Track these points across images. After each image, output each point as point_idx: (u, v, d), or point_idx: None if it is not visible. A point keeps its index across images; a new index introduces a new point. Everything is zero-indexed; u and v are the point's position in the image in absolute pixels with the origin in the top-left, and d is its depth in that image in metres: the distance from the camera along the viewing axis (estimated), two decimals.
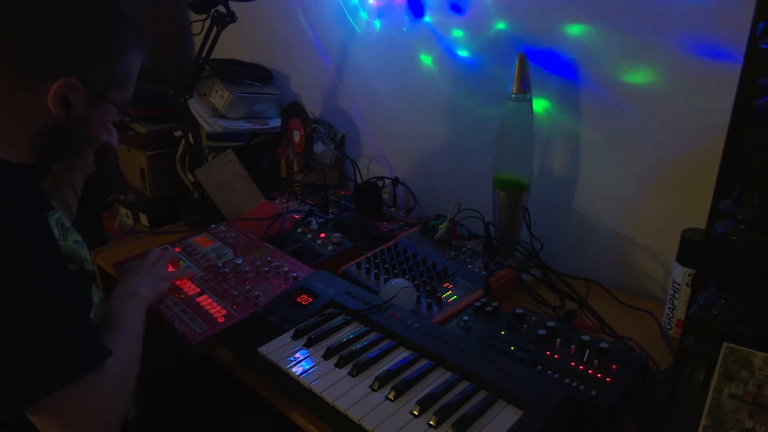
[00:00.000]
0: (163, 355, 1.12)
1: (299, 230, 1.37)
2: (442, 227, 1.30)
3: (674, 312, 1.05)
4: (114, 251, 1.37)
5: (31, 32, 0.79)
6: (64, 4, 0.81)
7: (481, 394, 0.81)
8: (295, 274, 1.15)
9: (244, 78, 1.78)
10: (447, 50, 1.43)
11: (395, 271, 1.20)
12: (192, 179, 1.56)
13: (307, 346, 0.93)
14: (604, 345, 0.88)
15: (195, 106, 1.66)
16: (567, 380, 0.84)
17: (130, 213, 1.74)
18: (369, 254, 1.26)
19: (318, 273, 1.12)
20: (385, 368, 0.86)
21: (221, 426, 1.11)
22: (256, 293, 1.09)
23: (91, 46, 0.84)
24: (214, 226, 1.38)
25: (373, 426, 0.75)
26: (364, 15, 1.58)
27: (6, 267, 0.72)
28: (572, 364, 0.87)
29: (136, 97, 0.95)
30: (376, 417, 0.77)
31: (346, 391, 0.82)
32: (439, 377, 0.85)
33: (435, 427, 0.75)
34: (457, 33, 1.39)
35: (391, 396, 0.80)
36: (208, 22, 1.42)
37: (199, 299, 1.09)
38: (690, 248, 1.00)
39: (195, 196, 1.59)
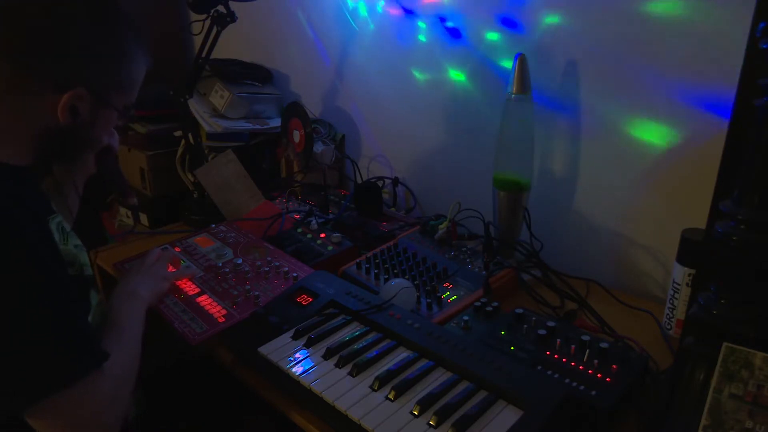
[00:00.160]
0: (163, 355, 1.13)
1: (299, 230, 1.37)
2: (442, 227, 1.30)
3: (674, 312, 1.05)
4: (114, 251, 1.37)
5: (32, 33, 0.79)
6: (65, 7, 0.81)
7: (481, 394, 0.81)
8: (295, 274, 1.15)
9: (244, 78, 1.78)
10: (448, 50, 1.43)
11: (395, 271, 1.20)
12: (192, 179, 1.56)
13: (307, 346, 0.93)
14: (604, 345, 0.88)
15: (195, 106, 1.66)
16: (567, 380, 0.84)
17: (130, 213, 1.74)
18: (369, 254, 1.26)
19: (318, 273, 1.12)
20: (385, 368, 0.86)
21: (221, 426, 1.11)
22: (256, 293, 1.09)
23: (92, 48, 0.84)
24: (214, 226, 1.38)
25: (373, 426, 0.75)
26: (364, 13, 1.58)
27: (6, 268, 0.72)
28: (572, 364, 0.87)
29: (137, 97, 0.95)
30: (376, 417, 0.77)
31: (346, 391, 0.82)
32: (439, 377, 0.85)
33: (435, 427, 0.75)
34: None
35: (391, 396, 0.80)
36: (208, 22, 1.42)
37: (199, 299, 1.09)
38: (690, 248, 1.00)
39: (195, 196, 1.59)
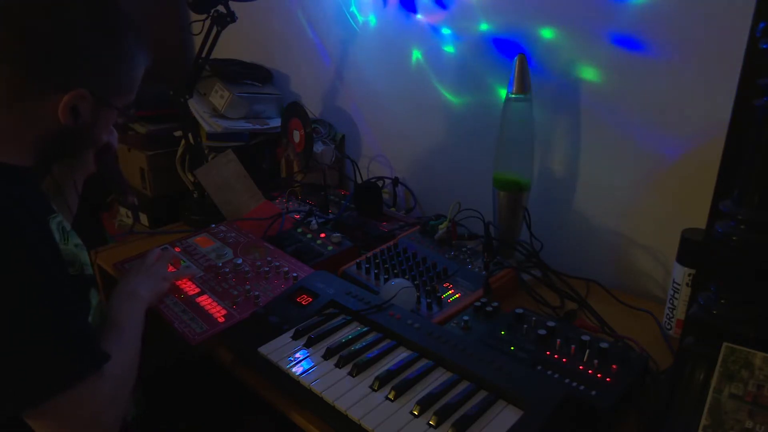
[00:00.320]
0: (163, 355, 1.13)
1: (299, 230, 1.37)
2: (442, 227, 1.30)
3: (674, 312, 1.05)
4: (114, 251, 1.37)
5: (32, 36, 0.79)
6: (65, 8, 0.81)
7: (481, 394, 0.81)
8: (295, 274, 1.15)
9: (244, 78, 1.78)
10: (447, 50, 1.43)
11: (395, 271, 1.20)
12: (192, 179, 1.56)
13: (307, 346, 0.93)
14: (604, 345, 0.88)
15: (195, 106, 1.66)
16: (567, 380, 0.84)
17: (130, 213, 1.74)
18: (369, 254, 1.26)
19: (318, 273, 1.12)
20: (385, 368, 0.86)
21: (221, 426, 1.11)
22: (256, 293, 1.09)
23: (93, 50, 0.84)
24: (214, 226, 1.38)
25: (373, 426, 0.75)
26: (359, 17, 1.58)
27: (6, 269, 0.72)
28: (572, 364, 0.87)
29: (137, 97, 0.95)
30: (376, 417, 0.77)
31: (346, 391, 0.82)
32: (439, 377, 0.85)
33: (435, 427, 0.75)
34: (446, 31, 1.39)
35: (391, 396, 0.80)
36: (208, 22, 1.42)
37: (199, 299, 1.09)
38: (690, 248, 1.00)
39: (195, 196, 1.59)
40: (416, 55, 1.50)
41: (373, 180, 1.61)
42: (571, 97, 1.23)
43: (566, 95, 1.24)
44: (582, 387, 0.82)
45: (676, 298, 1.04)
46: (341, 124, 1.78)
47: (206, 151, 1.61)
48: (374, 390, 0.82)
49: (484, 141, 1.40)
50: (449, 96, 1.46)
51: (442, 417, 0.76)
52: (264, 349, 0.92)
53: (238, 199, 1.48)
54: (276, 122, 1.75)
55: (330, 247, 1.29)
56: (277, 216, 1.41)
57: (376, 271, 1.20)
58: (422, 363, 0.88)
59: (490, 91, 1.37)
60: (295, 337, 0.95)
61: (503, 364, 0.83)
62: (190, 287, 1.13)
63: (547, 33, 1.23)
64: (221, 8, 1.40)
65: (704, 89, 1.06)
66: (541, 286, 1.20)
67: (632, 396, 0.85)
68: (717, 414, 0.65)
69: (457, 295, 1.12)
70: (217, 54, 1.50)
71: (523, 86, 1.18)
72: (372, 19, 1.57)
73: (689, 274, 1.01)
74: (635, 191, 1.20)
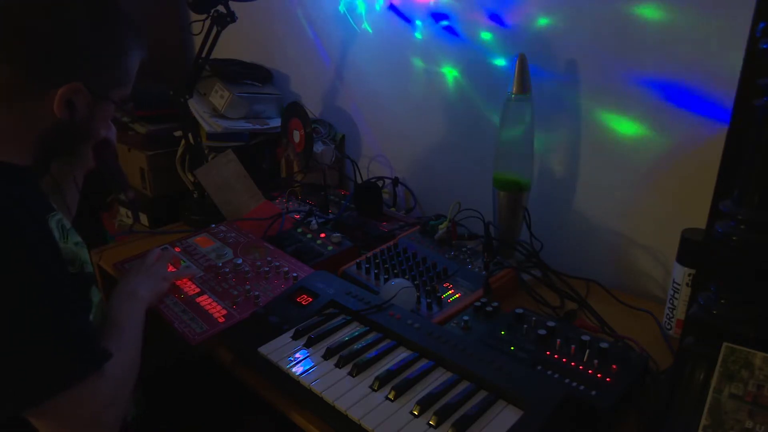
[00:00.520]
0: (163, 355, 1.13)
1: (299, 230, 1.37)
2: (442, 227, 1.30)
3: (674, 312, 1.05)
4: (114, 251, 1.37)
5: (33, 37, 0.79)
6: (65, 8, 0.81)
7: (481, 394, 0.81)
8: (295, 274, 1.15)
9: (244, 78, 1.78)
10: (448, 51, 1.43)
11: (395, 271, 1.20)
12: (192, 179, 1.56)
13: (307, 346, 0.93)
14: (604, 345, 0.88)
15: (195, 106, 1.66)
16: (567, 380, 0.84)
17: (130, 213, 1.74)
18: (369, 254, 1.26)
19: (318, 273, 1.12)
20: (385, 368, 0.86)
21: (221, 426, 1.11)
22: (256, 293, 1.09)
23: (93, 49, 0.84)
24: (214, 226, 1.38)
25: (373, 426, 0.75)
26: (365, 24, 1.59)
27: (6, 269, 0.72)
28: (572, 364, 0.87)
29: (137, 97, 0.95)
30: (376, 417, 0.77)
31: (346, 391, 0.82)
32: (439, 377, 0.85)
33: (435, 427, 0.75)
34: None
35: (391, 396, 0.80)
36: (208, 22, 1.42)
37: (199, 299, 1.09)
38: (690, 248, 1.00)
39: (195, 196, 1.59)
40: (415, 54, 1.50)
41: (373, 180, 1.61)
42: (572, 97, 1.23)
43: (566, 95, 1.24)
44: (582, 387, 0.82)
45: (676, 298, 1.04)
46: (341, 124, 1.78)
47: (206, 151, 1.61)
48: (374, 390, 0.82)
49: (484, 141, 1.40)
50: (449, 95, 1.46)
51: (442, 417, 0.76)
52: (264, 349, 0.92)
53: (238, 199, 1.48)
54: (276, 122, 1.75)
55: (330, 247, 1.29)
56: (277, 216, 1.41)
57: (376, 271, 1.20)
58: (422, 363, 0.88)
59: (490, 91, 1.37)
60: (295, 337, 0.95)
61: (503, 364, 0.83)
62: (190, 287, 1.13)
63: (543, 20, 1.23)
64: (221, 8, 1.40)
65: (704, 89, 1.05)
66: (541, 286, 1.20)
67: (632, 396, 0.85)
68: (717, 414, 0.65)
69: (457, 295, 1.12)
70: (217, 54, 1.50)
71: (523, 86, 1.18)
72: (371, 21, 1.57)
73: (689, 274, 1.01)
74: (635, 191, 1.20)
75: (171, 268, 1.17)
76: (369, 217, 1.49)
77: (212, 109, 1.70)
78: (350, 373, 0.86)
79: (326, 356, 0.90)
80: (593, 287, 1.21)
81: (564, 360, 0.88)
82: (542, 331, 0.93)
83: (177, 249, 1.28)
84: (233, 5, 1.41)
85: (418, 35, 1.47)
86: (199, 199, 1.57)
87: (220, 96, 1.69)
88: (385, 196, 1.61)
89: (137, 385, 0.87)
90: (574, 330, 0.96)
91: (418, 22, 1.46)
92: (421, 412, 0.77)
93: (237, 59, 1.89)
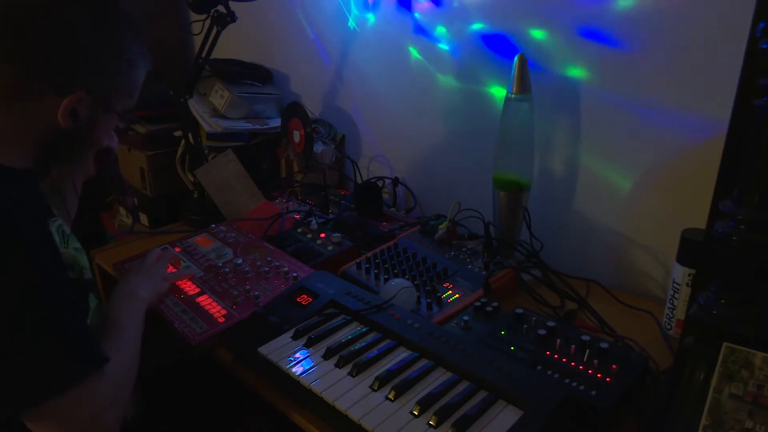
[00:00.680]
0: (163, 355, 1.12)
1: (299, 230, 1.37)
2: (442, 227, 1.30)
3: (674, 312, 1.05)
4: (114, 251, 1.37)
5: (32, 37, 0.79)
6: (65, 8, 0.81)
7: (481, 394, 0.81)
8: (295, 274, 1.15)
9: (244, 78, 1.78)
10: (448, 51, 1.43)
11: (395, 271, 1.20)
12: (192, 179, 1.56)
13: (307, 346, 0.93)
14: (604, 345, 0.88)
15: (195, 106, 1.66)
16: (567, 380, 0.84)
17: (130, 213, 1.74)
18: (369, 254, 1.26)
19: (318, 273, 1.12)
20: (385, 368, 0.86)
21: (221, 426, 1.11)
22: (256, 293, 1.09)
23: (95, 54, 0.83)
24: (214, 226, 1.38)
25: (373, 426, 0.75)
26: (367, 15, 1.58)
27: (6, 270, 0.72)
28: (572, 364, 0.87)
29: (137, 98, 0.95)
30: (376, 417, 0.77)
31: (346, 391, 0.82)
32: (439, 377, 0.85)
33: (435, 427, 0.75)
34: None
35: (391, 396, 0.80)
36: (208, 22, 1.42)
37: (199, 299, 1.09)
38: (690, 248, 1.00)
39: (195, 196, 1.59)
40: (415, 54, 1.50)
41: (373, 180, 1.61)
42: (571, 97, 1.23)
43: (566, 95, 1.24)
44: (582, 387, 0.82)
45: (676, 298, 1.04)
46: (341, 124, 1.78)
47: (206, 151, 1.61)
48: (374, 390, 0.82)
49: (484, 141, 1.40)
50: (449, 96, 1.46)
51: (442, 417, 0.76)
52: (264, 349, 0.92)
53: (238, 199, 1.48)
54: (276, 122, 1.75)
55: (330, 247, 1.29)
56: (277, 216, 1.41)
57: (376, 271, 1.20)
58: (422, 363, 0.88)
59: (491, 91, 1.37)
60: (295, 337, 0.95)
61: (503, 364, 0.83)
62: (190, 287, 1.13)
63: (538, 34, 1.23)
64: (221, 8, 1.40)
65: (704, 89, 1.05)
66: (541, 286, 1.20)
67: (632, 396, 0.85)
68: (717, 414, 0.65)
69: (457, 295, 1.12)
70: (217, 54, 1.50)
71: (523, 86, 1.18)
72: (371, 18, 1.57)
73: (689, 274, 1.01)
74: (635, 191, 1.20)
75: (171, 268, 1.17)
76: (369, 217, 1.49)
77: (212, 109, 1.70)
78: (350, 373, 0.86)
79: (326, 356, 0.90)
80: (593, 287, 1.21)
81: (564, 360, 0.88)
82: (542, 331, 0.93)
83: (177, 249, 1.28)
84: (233, 5, 1.41)
85: (419, 36, 1.47)
86: (199, 199, 1.57)
87: (220, 96, 1.69)
88: (385, 196, 1.61)
89: (137, 385, 0.87)
90: (574, 330, 0.96)
91: (419, 24, 1.46)
92: (421, 412, 0.77)
93: (237, 59, 1.89)
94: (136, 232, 1.49)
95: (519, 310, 1.00)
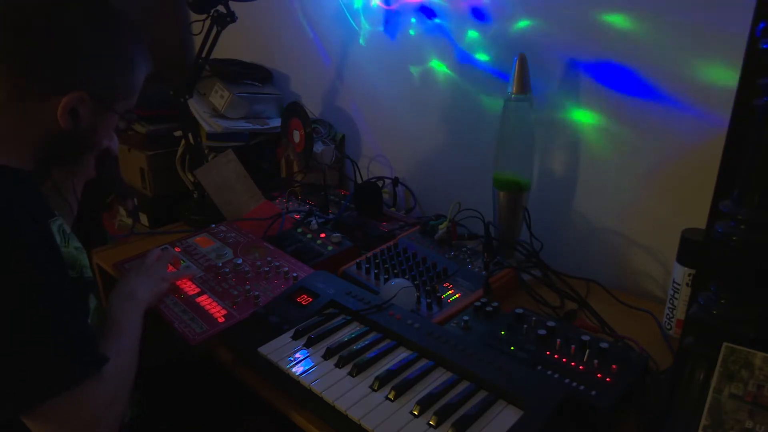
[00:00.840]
0: (162, 355, 1.13)
1: (299, 230, 1.37)
2: (442, 227, 1.30)
3: (674, 312, 1.05)
4: (114, 251, 1.37)
5: (32, 38, 0.79)
6: (64, 9, 0.81)
7: (481, 394, 0.81)
8: (295, 274, 1.15)
9: (244, 78, 1.78)
10: (448, 50, 1.43)
11: (395, 271, 1.20)
12: (192, 179, 1.56)
13: (307, 346, 0.93)
14: (604, 345, 0.88)
15: (195, 106, 1.66)
16: (567, 380, 0.84)
17: (130, 215, 1.74)
18: (369, 254, 1.26)
19: (318, 273, 1.12)
20: (385, 368, 0.86)
21: (221, 426, 1.10)
22: (256, 293, 1.09)
23: (94, 55, 0.83)
24: (214, 226, 1.38)
25: (373, 426, 0.75)
26: (366, 25, 1.58)
27: (6, 271, 0.72)
28: (572, 364, 0.87)
29: (137, 99, 0.95)
30: (376, 417, 0.77)
31: (346, 391, 0.82)
32: (439, 377, 0.85)
33: (435, 427, 0.75)
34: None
35: (391, 396, 0.80)
36: (208, 22, 1.42)
37: (199, 299, 1.09)
38: (690, 248, 1.00)
39: (195, 196, 1.59)
40: (417, 54, 1.50)
41: (373, 180, 1.61)
42: (571, 97, 1.23)
43: (566, 95, 1.24)
44: (582, 387, 0.82)
45: (676, 298, 1.04)
46: (341, 124, 1.78)
47: (206, 151, 1.61)
48: (374, 390, 0.82)
49: (484, 141, 1.40)
50: (449, 95, 1.46)
51: (442, 417, 0.76)
52: (264, 349, 0.92)
53: (238, 199, 1.48)
54: (276, 122, 1.75)
55: (330, 247, 1.29)
56: (277, 216, 1.41)
57: (376, 271, 1.20)
58: (422, 363, 0.88)
59: (490, 90, 1.37)
60: (295, 337, 0.95)
61: (503, 364, 0.83)
62: (190, 287, 1.13)
63: (542, 21, 1.23)
64: (221, 8, 1.40)
65: (704, 89, 1.05)
66: (541, 286, 1.20)
67: (632, 396, 0.85)
68: (717, 414, 0.65)
69: (457, 295, 1.12)
70: (217, 54, 1.50)
71: (523, 86, 1.18)
72: (371, 21, 1.57)
73: (689, 274, 1.01)
74: (635, 191, 1.20)
75: (171, 268, 1.17)
76: (369, 217, 1.49)
77: (212, 109, 1.70)
78: (350, 373, 0.86)
79: (326, 356, 0.90)
80: (593, 287, 1.21)
81: (564, 360, 0.88)
82: (542, 331, 0.93)
83: (177, 249, 1.28)
84: (233, 5, 1.41)
85: (419, 36, 1.47)
86: (199, 199, 1.57)
87: (220, 96, 1.69)
88: (385, 196, 1.61)
89: (137, 385, 0.87)
90: (574, 330, 0.95)
91: (412, 20, 1.46)
92: (421, 412, 0.77)
93: (237, 59, 1.89)
94: (136, 233, 1.49)
95: (519, 310, 1.00)
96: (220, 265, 1.19)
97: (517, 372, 0.82)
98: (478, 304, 1.03)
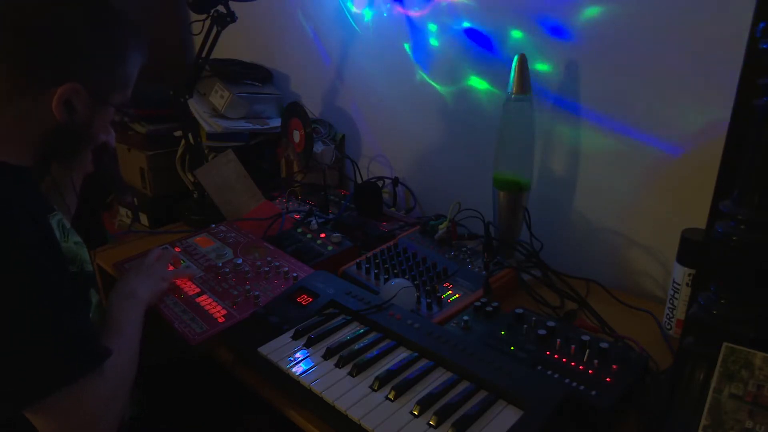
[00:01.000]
0: (163, 354, 1.13)
1: (299, 230, 1.37)
2: (442, 227, 1.30)
3: (674, 312, 1.05)
4: (114, 251, 1.37)
5: (32, 38, 0.80)
6: (63, 8, 0.81)
7: (481, 394, 0.81)
8: (295, 274, 1.15)
9: (244, 78, 1.78)
10: (448, 50, 1.43)
11: (395, 271, 1.20)
12: (192, 179, 1.56)
13: (307, 346, 0.93)
14: (604, 345, 0.88)
15: (195, 106, 1.66)
16: (567, 380, 0.84)
17: (129, 212, 1.74)
18: (369, 254, 1.26)
19: (318, 273, 1.12)
20: (385, 368, 0.86)
21: (221, 425, 1.11)
22: (256, 293, 1.09)
23: (92, 50, 0.84)
24: (214, 226, 1.38)
25: (373, 426, 0.75)
26: (366, 14, 1.58)
27: (5, 268, 0.72)
28: (572, 364, 0.87)
29: (137, 97, 0.95)
30: (376, 417, 0.77)
31: (346, 391, 0.82)
32: (439, 377, 0.85)
33: (435, 427, 0.75)
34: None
35: (391, 396, 0.80)
36: (208, 22, 1.42)
37: (199, 299, 1.09)
38: (690, 248, 1.00)
39: (195, 196, 1.59)
40: (415, 53, 1.50)
41: (373, 180, 1.61)
42: (572, 97, 1.23)
43: (567, 95, 1.24)
44: (582, 387, 0.82)
45: (676, 298, 1.04)
46: (341, 124, 1.78)
47: (206, 151, 1.61)
48: (374, 390, 0.82)
49: (484, 141, 1.40)
50: (449, 95, 1.46)
51: (442, 417, 0.76)
52: (264, 349, 0.92)
53: (238, 199, 1.48)
54: (276, 122, 1.75)
55: (330, 247, 1.29)
56: (277, 216, 1.42)
57: (376, 271, 1.20)
58: (422, 363, 0.88)
59: (490, 90, 1.37)
60: (295, 337, 0.95)
61: (503, 364, 0.83)
62: (190, 287, 1.13)
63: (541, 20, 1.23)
64: (221, 8, 1.40)
65: (704, 89, 1.05)
66: (541, 286, 1.20)
67: (632, 396, 0.85)
68: (717, 414, 0.65)
69: (457, 295, 1.12)
70: (217, 54, 1.50)
71: (523, 86, 1.18)
72: (368, 14, 1.57)
73: (689, 274, 1.01)
74: (635, 191, 1.20)
75: (171, 268, 1.17)
76: (369, 217, 1.49)
77: (212, 109, 1.70)
78: (350, 373, 0.86)
79: (326, 356, 0.90)
80: (593, 287, 1.21)
81: (564, 360, 0.88)
82: (542, 331, 0.93)
83: (177, 249, 1.28)
84: (233, 5, 1.41)
85: (419, 36, 1.47)
86: (199, 199, 1.57)
87: (220, 96, 1.69)
88: (385, 196, 1.61)
89: (137, 384, 0.88)
90: (574, 330, 0.95)
91: (420, 23, 1.46)
92: (421, 412, 0.77)
93: (237, 59, 1.89)
94: (135, 231, 1.49)
95: (519, 310, 1.00)
96: (220, 265, 1.19)
97: (517, 372, 0.82)
98: (478, 304, 1.03)
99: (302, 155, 1.63)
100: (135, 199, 1.20)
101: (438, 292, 1.11)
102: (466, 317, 0.99)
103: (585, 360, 0.87)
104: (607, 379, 0.83)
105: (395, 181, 1.63)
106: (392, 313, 0.97)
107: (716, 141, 1.02)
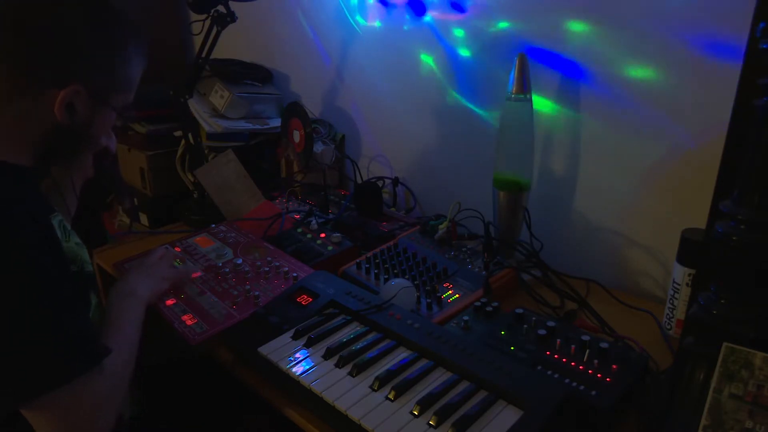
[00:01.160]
0: (163, 353, 1.13)
1: (299, 230, 1.37)
2: (442, 227, 1.30)
3: (674, 312, 1.05)
4: (114, 251, 1.37)
5: (33, 39, 0.80)
6: (64, 8, 0.82)
7: (481, 394, 0.81)
8: (295, 274, 1.15)
9: (244, 78, 1.78)
10: (448, 50, 1.43)
11: (395, 271, 1.20)
12: (192, 179, 1.56)
13: (307, 346, 0.93)
14: (604, 345, 0.88)
15: (195, 106, 1.66)
16: (567, 380, 0.84)
17: (128, 214, 1.74)
18: (369, 254, 1.26)
19: (318, 273, 1.12)
20: (385, 368, 0.86)
21: (221, 425, 1.11)
22: (256, 293, 1.09)
23: (92, 50, 0.84)
24: (214, 226, 1.38)
25: (373, 426, 0.75)
26: (361, 20, 1.58)
27: (5, 267, 0.72)
28: (572, 364, 0.87)
29: (136, 97, 0.95)
30: (376, 417, 0.77)
31: (346, 391, 0.82)
32: (439, 377, 0.85)
33: (435, 427, 0.75)
34: (458, 32, 1.39)
35: (391, 396, 0.80)
36: (208, 22, 1.42)
37: (199, 299, 1.09)
38: (690, 248, 1.00)
39: (195, 196, 1.59)
40: (417, 54, 1.50)
41: (373, 180, 1.61)
42: (572, 97, 1.23)
43: (567, 95, 1.24)
44: (582, 387, 0.82)
45: (676, 298, 1.04)
46: (341, 124, 1.78)
47: (206, 151, 1.61)
48: (374, 390, 0.82)
49: (484, 141, 1.40)
50: (449, 95, 1.46)
51: (442, 417, 0.76)
52: (264, 349, 0.92)
53: (238, 199, 1.48)
54: (276, 122, 1.75)
55: (330, 247, 1.29)
56: (277, 216, 1.41)
57: (376, 271, 1.20)
58: (422, 363, 0.88)
59: (491, 90, 1.37)
60: (295, 337, 0.95)
61: (503, 364, 0.83)
62: (190, 287, 1.13)
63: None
64: (221, 8, 1.40)
65: (704, 89, 1.05)
66: (541, 286, 1.20)
67: (632, 396, 0.85)
68: (717, 414, 0.65)
69: (457, 295, 1.12)
70: (217, 54, 1.50)
71: (523, 86, 1.18)
72: (377, 24, 1.57)
73: (689, 274, 1.01)
74: (635, 191, 1.20)
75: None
76: (369, 217, 1.49)
77: (212, 109, 1.70)
78: (350, 373, 0.86)
79: (326, 356, 0.90)
80: (593, 287, 1.21)
81: (564, 360, 0.88)
82: (542, 331, 0.93)
83: (177, 249, 1.28)
84: (233, 5, 1.41)
85: (420, 36, 1.47)
86: (199, 199, 1.57)
87: (220, 96, 1.69)
88: (385, 196, 1.61)
89: (137, 384, 0.88)
90: (574, 330, 0.95)
91: (420, 24, 1.47)
92: (421, 412, 0.77)
93: (237, 59, 1.89)
94: (135, 232, 1.49)
95: (519, 310, 1.00)
96: (220, 265, 1.19)
97: (517, 372, 0.82)
98: (478, 304, 1.03)
99: (302, 155, 1.63)
100: (135, 199, 1.20)
101: (438, 292, 1.11)
102: (466, 317, 0.99)
103: (585, 360, 0.87)
104: (607, 379, 0.83)
105: (395, 181, 1.63)
106: (392, 313, 0.97)
107: (716, 141, 1.02)
